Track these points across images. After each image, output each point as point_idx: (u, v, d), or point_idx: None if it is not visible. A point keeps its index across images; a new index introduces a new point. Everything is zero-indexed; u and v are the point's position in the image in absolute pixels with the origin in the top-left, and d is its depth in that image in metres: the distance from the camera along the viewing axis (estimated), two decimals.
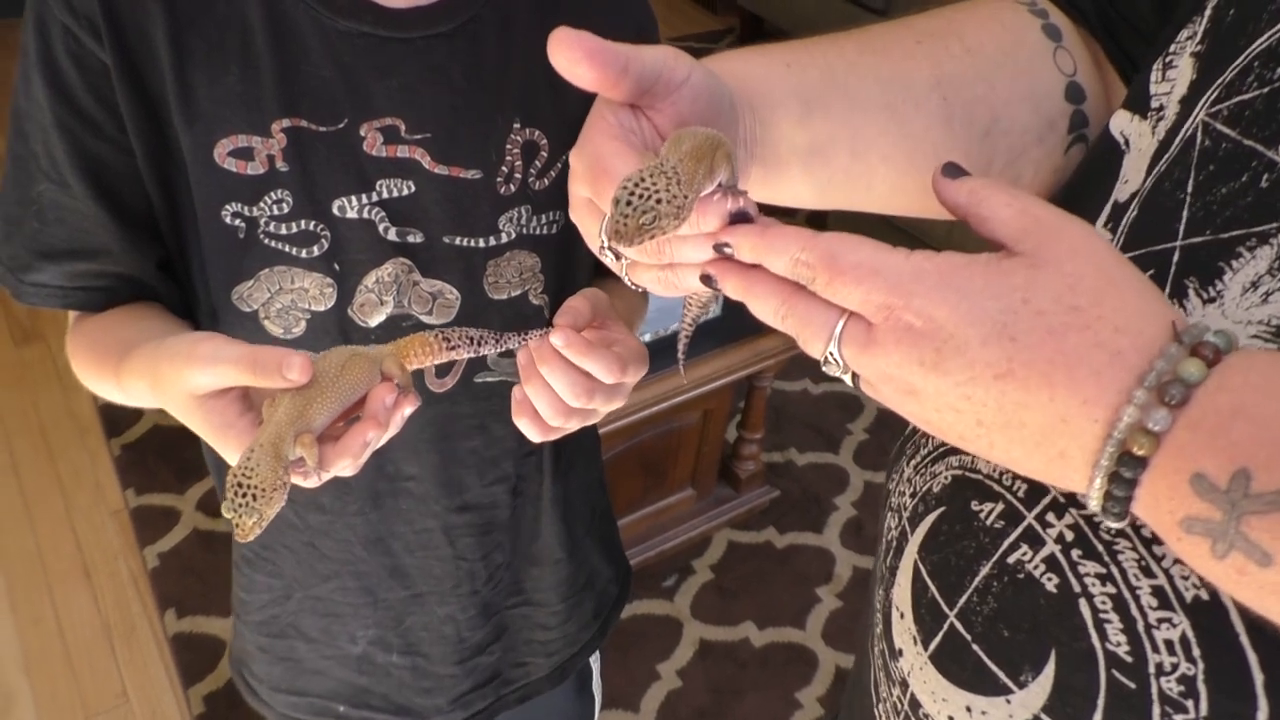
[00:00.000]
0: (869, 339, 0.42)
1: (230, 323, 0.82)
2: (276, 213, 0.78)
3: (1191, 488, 0.36)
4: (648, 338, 2.03)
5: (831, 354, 0.43)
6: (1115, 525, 0.39)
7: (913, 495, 0.57)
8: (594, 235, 0.51)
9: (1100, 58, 0.63)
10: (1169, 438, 0.37)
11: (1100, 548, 0.45)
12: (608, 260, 0.51)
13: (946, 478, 0.54)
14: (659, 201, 0.43)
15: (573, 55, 0.47)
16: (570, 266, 0.90)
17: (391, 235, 0.81)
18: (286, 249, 0.80)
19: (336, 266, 0.81)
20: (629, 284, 0.52)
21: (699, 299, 0.60)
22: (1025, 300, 0.40)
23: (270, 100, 0.76)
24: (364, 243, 0.81)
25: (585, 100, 0.85)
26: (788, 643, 2.12)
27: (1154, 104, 0.52)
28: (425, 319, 0.85)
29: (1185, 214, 0.46)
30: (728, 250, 0.46)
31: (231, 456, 0.64)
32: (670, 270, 0.49)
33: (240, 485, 0.59)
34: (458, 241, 0.83)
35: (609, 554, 1.15)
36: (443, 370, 0.87)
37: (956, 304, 0.40)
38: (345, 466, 0.64)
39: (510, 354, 0.90)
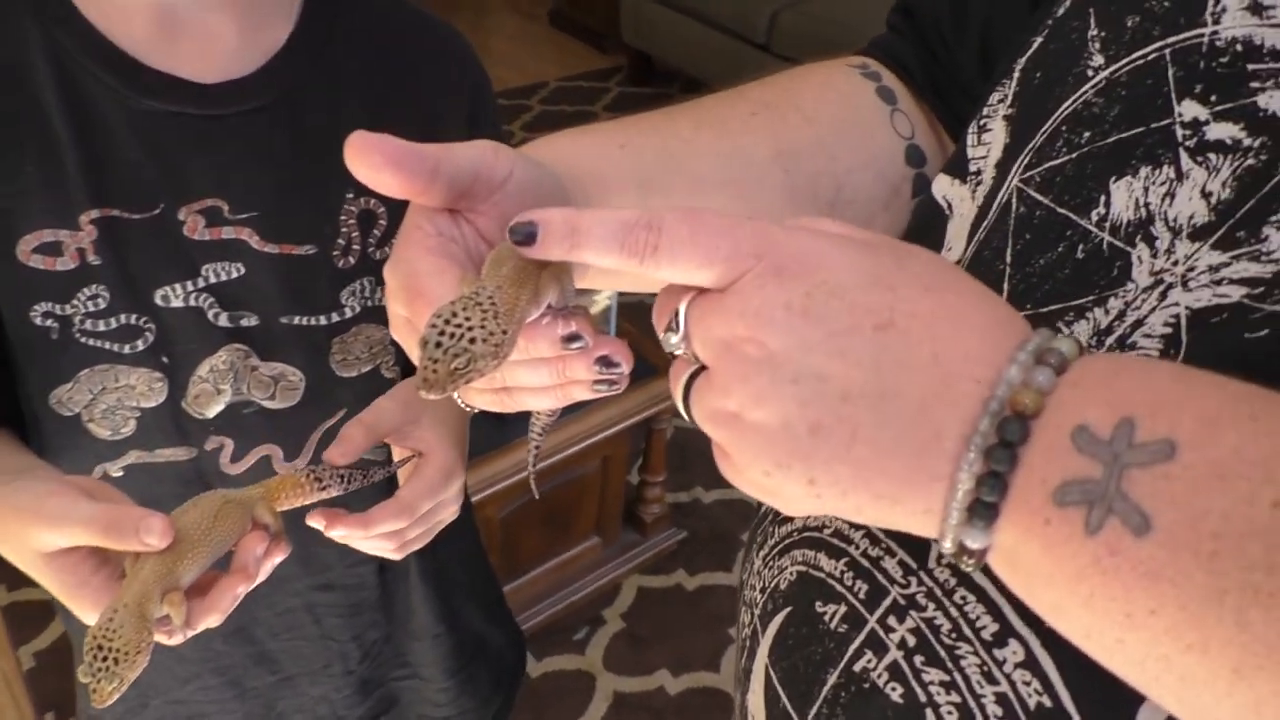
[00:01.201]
0: (727, 291, 0.36)
1: (51, 429, 0.76)
2: (92, 309, 0.73)
3: (1073, 443, 0.32)
4: None
5: (675, 316, 0.38)
6: (979, 545, 0.34)
7: (762, 590, 0.54)
8: (414, 353, 0.45)
9: (933, 120, 0.63)
10: (1053, 396, 0.33)
11: (943, 653, 0.42)
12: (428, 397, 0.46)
13: (792, 574, 0.51)
14: (473, 341, 0.37)
15: (372, 161, 0.41)
16: None
17: (223, 321, 0.77)
18: (107, 346, 0.74)
19: (165, 359, 0.76)
20: (462, 406, 0.47)
21: (544, 414, 0.57)
22: (899, 262, 0.37)
23: (76, 191, 0.71)
24: (193, 332, 0.76)
25: None
26: (703, 687, 2.09)
27: (972, 168, 0.50)
28: (268, 404, 0.80)
29: (1006, 286, 0.44)
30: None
31: (87, 615, 0.60)
32: (506, 394, 0.44)
33: (101, 648, 0.55)
34: (297, 321, 0.79)
35: (495, 619, 1.11)
36: (291, 454, 0.83)
37: (834, 250, 0.36)
38: (212, 620, 0.61)
39: None
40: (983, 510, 0.33)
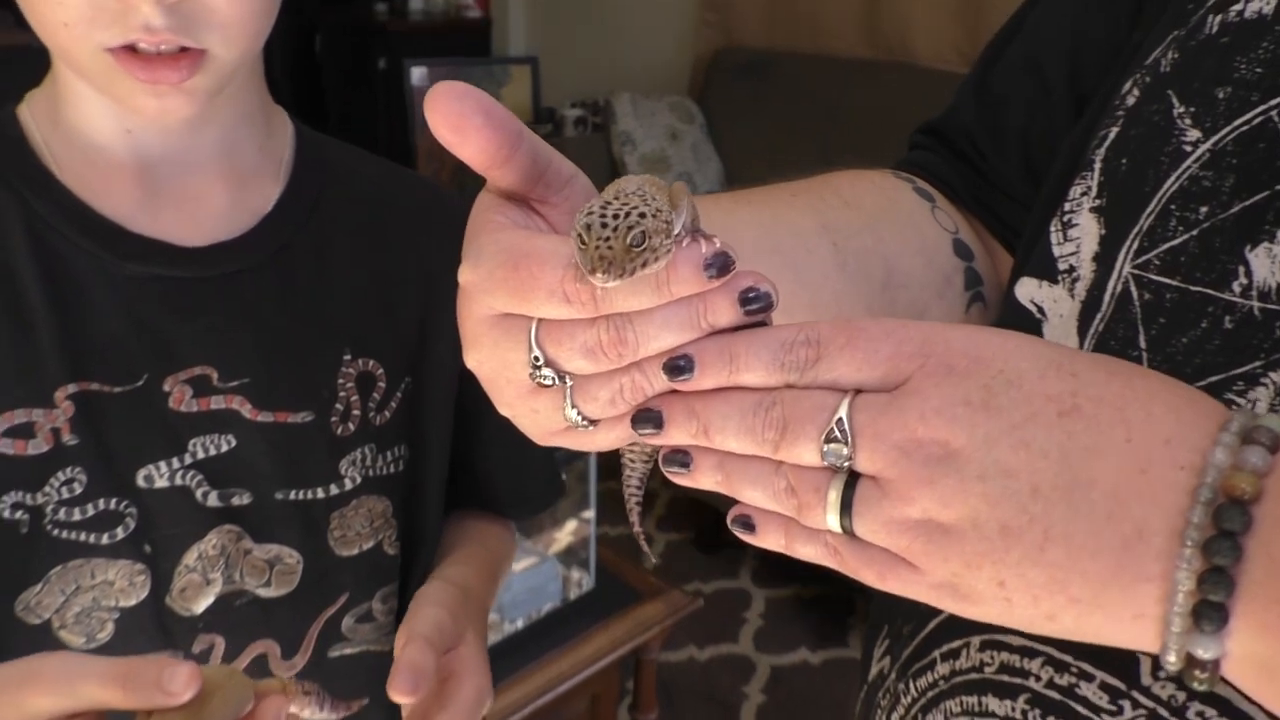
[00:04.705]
0: (896, 393, 0.34)
1: (15, 642, 0.66)
2: (66, 495, 0.66)
3: None
4: (519, 624, 1.89)
5: (839, 424, 0.34)
6: (1212, 654, 0.30)
7: None
8: (517, 361, 0.38)
9: (977, 227, 0.62)
10: (1273, 478, 0.30)
11: None
12: (545, 381, 0.37)
13: None
14: (642, 216, 0.33)
15: (463, 108, 0.36)
16: (420, 505, 0.80)
17: (212, 500, 0.70)
18: (82, 537, 0.67)
19: (147, 548, 0.68)
20: (573, 419, 0.38)
21: (642, 450, 0.45)
22: (1075, 351, 0.35)
23: (51, 365, 0.66)
24: (180, 514, 0.69)
25: (420, 322, 0.78)
26: None
27: (1061, 266, 0.48)
28: (262, 592, 0.72)
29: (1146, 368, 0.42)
30: (682, 369, 0.35)
31: None
32: (631, 378, 0.36)
33: None
34: (293, 495, 0.72)
35: None
36: (289, 650, 0.74)
37: (1003, 341, 0.34)
38: None
39: (369, 618, 0.77)
40: (1210, 613, 0.30)
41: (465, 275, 0.38)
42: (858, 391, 0.34)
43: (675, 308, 0.35)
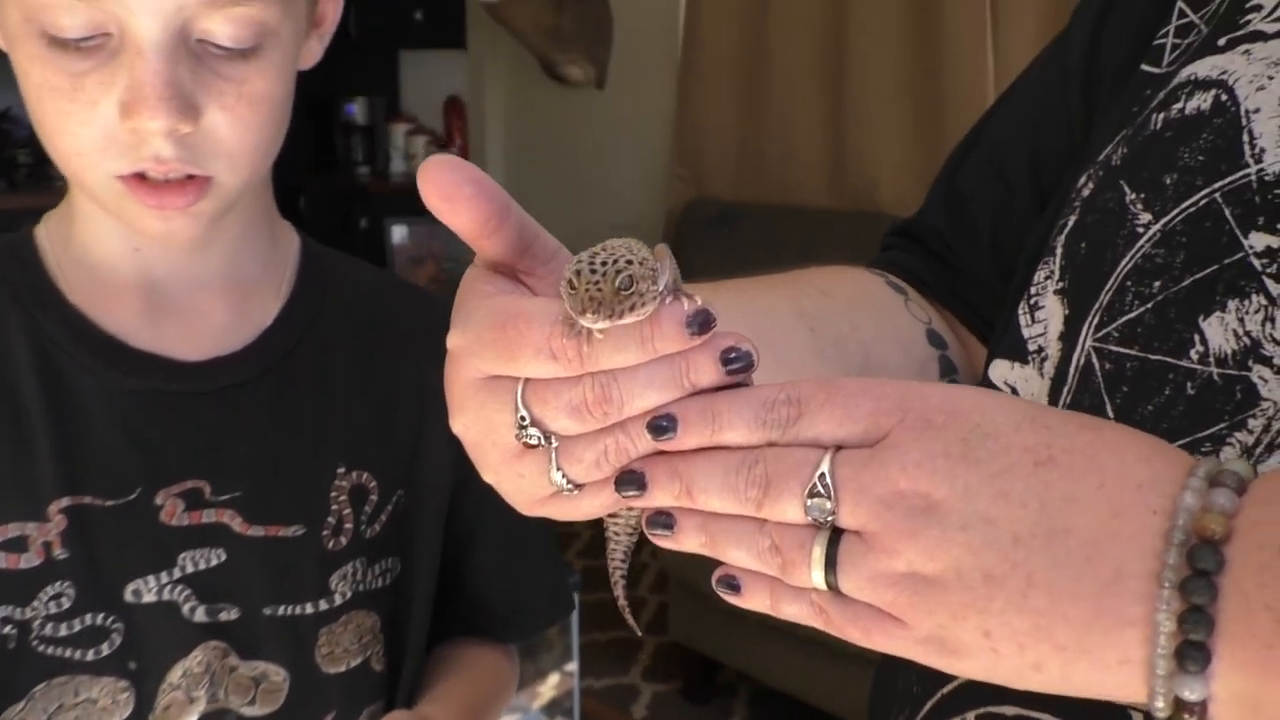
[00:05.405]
0: (877, 448, 0.34)
1: None
2: (54, 610, 0.66)
3: None
4: None
5: (821, 480, 0.34)
6: (1198, 695, 0.31)
7: None
8: (503, 424, 0.38)
9: (950, 319, 0.64)
10: (1240, 518, 0.31)
11: None
12: (531, 441, 0.37)
13: None
14: (629, 263, 0.35)
15: (455, 179, 0.37)
16: (408, 619, 0.79)
17: (200, 615, 0.69)
18: (67, 653, 0.66)
19: (132, 665, 0.68)
20: (559, 483, 0.38)
21: (626, 522, 0.45)
22: (1045, 407, 0.36)
23: (47, 480, 0.67)
24: (166, 630, 0.69)
25: (415, 434, 0.79)
26: None
27: (1030, 347, 0.51)
28: (247, 711, 0.70)
29: None
30: (665, 428, 0.36)
31: None
32: (615, 439, 0.36)
33: None
34: (281, 611, 0.72)
35: None
36: None
37: (979, 397, 0.35)
38: None
39: None
40: (1193, 653, 0.31)
41: (454, 340, 0.39)
42: (839, 448, 0.35)
43: (658, 366, 0.35)
